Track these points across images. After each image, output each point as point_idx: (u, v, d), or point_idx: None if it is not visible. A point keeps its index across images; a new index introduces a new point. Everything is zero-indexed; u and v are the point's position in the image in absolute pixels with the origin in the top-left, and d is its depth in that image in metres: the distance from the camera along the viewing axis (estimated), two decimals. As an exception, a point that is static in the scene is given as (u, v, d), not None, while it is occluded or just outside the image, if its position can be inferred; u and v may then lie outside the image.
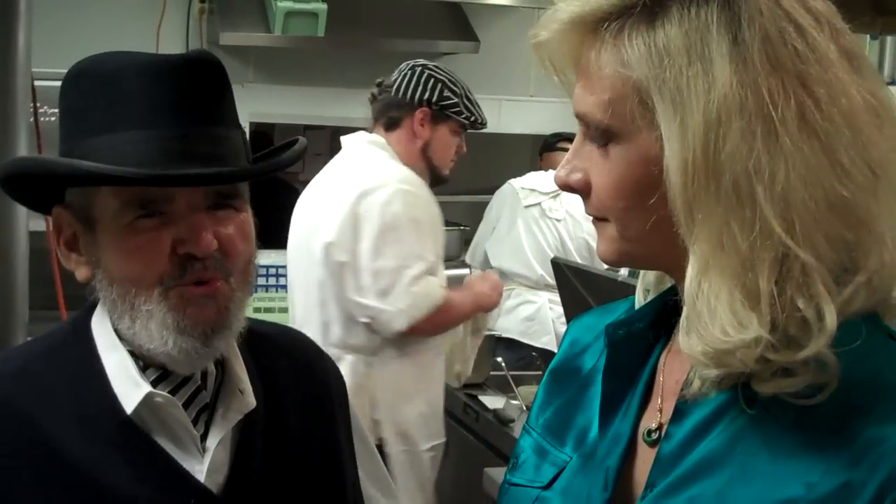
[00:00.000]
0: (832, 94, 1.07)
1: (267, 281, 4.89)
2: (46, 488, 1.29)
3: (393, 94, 3.39)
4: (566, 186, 1.19)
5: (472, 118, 3.41)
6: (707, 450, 1.12)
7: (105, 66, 1.31)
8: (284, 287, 4.88)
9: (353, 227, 3.20)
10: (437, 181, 3.46)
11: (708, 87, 1.06)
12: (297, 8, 4.85)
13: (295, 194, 3.63)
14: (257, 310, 4.77)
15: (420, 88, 3.38)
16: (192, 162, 1.28)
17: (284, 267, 4.84)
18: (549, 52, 1.18)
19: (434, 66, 3.47)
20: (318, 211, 3.35)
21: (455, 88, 3.40)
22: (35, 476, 1.30)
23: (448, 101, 3.38)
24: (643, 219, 1.12)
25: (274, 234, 2.72)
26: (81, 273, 1.37)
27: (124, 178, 1.26)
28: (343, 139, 3.52)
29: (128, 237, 1.30)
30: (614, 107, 1.11)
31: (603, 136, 1.14)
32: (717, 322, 1.06)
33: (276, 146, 1.47)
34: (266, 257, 4.78)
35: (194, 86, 1.30)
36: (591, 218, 1.21)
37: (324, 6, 4.85)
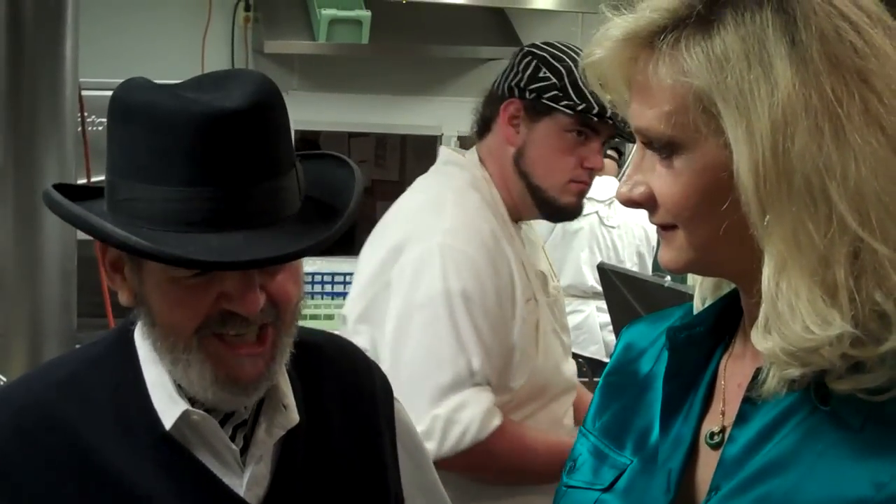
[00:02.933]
0: (893, 88, 1.08)
1: (312, 288, 4.91)
2: (87, 498, 1.30)
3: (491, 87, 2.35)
4: (630, 202, 1.20)
5: (580, 106, 2.18)
6: (774, 452, 1.13)
7: (156, 112, 1.25)
8: (330, 294, 4.91)
9: (380, 299, 2.20)
10: (551, 213, 2.31)
11: (771, 89, 1.07)
12: (341, 15, 4.85)
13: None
14: (302, 317, 4.76)
15: (510, 72, 2.30)
16: (242, 223, 1.25)
17: (329, 274, 4.89)
18: (602, 70, 1.20)
19: (545, 43, 2.32)
20: (362, 260, 2.34)
21: (556, 65, 2.23)
22: (76, 487, 1.30)
23: (543, 84, 2.22)
24: (712, 225, 1.13)
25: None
26: (124, 297, 1.35)
27: (183, 261, 1.22)
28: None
29: (172, 289, 1.28)
30: (676, 117, 1.12)
31: (666, 147, 1.15)
32: (798, 320, 1.07)
33: (321, 152, 1.46)
34: (311, 264, 4.81)
35: (247, 139, 1.25)
36: (644, 226, 1.21)
37: (368, 13, 4.86)
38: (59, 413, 1.33)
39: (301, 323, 1.42)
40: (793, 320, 1.07)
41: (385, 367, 1.73)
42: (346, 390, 1.51)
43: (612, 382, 1.40)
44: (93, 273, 3.57)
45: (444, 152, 2.39)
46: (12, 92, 3.12)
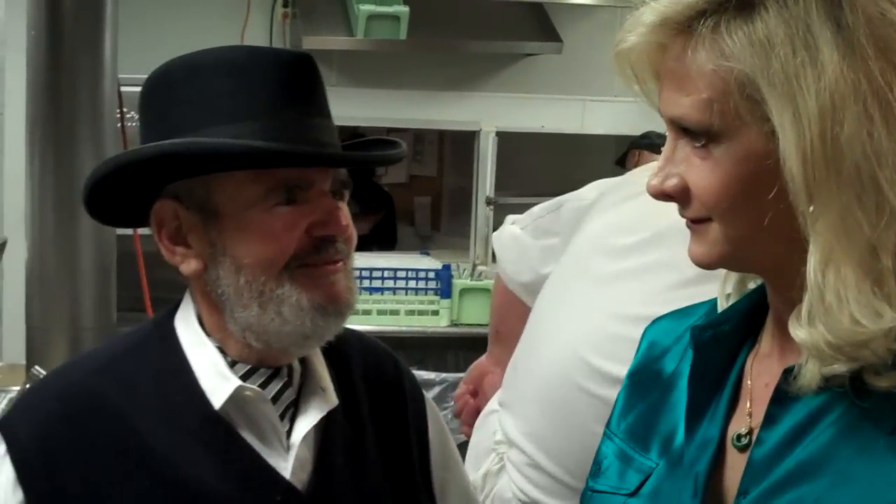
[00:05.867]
0: None
1: (350, 283, 4.90)
2: (135, 481, 1.31)
3: None
4: (662, 195, 1.17)
5: None
6: (803, 455, 1.09)
7: (227, 56, 1.33)
8: (367, 289, 4.91)
9: None
10: None
11: (818, 74, 1.04)
12: (379, 11, 4.85)
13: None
14: (340, 312, 4.77)
15: None
16: (318, 148, 1.33)
17: (367, 269, 4.90)
18: (632, 58, 1.17)
19: None
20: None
21: None
22: (124, 469, 1.31)
23: None
24: (752, 216, 1.10)
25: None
26: (190, 266, 1.36)
27: (298, 155, 1.31)
28: None
29: (265, 222, 1.31)
30: (716, 104, 1.09)
31: (703, 137, 1.11)
32: (845, 312, 1.04)
33: (367, 139, 1.49)
34: (349, 260, 4.80)
35: (308, 79, 1.35)
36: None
37: (406, 9, 4.85)
38: (103, 397, 1.35)
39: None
40: (840, 312, 1.04)
41: None
42: (373, 383, 1.51)
43: (636, 382, 1.37)
44: (131, 268, 3.61)
45: None
46: (52, 88, 3.14)
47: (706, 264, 1.18)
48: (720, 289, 1.28)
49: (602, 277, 1.99)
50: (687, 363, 1.25)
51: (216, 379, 1.35)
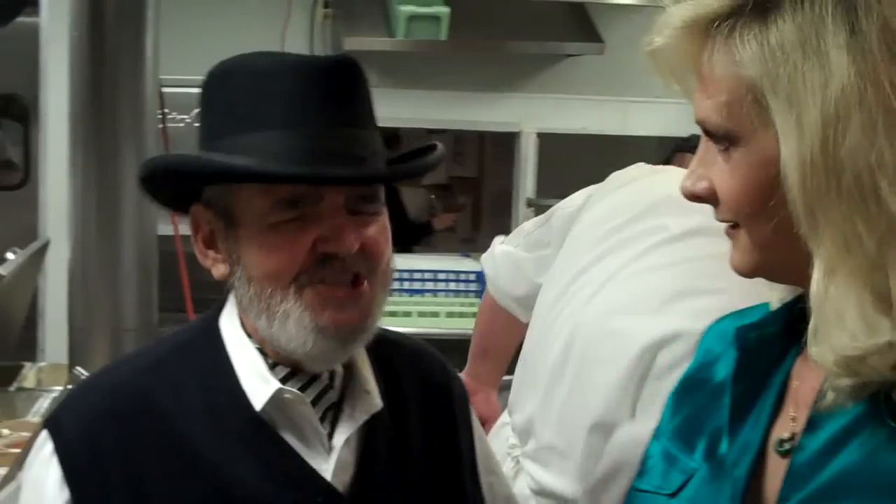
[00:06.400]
0: None
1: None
2: (178, 481, 1.32)
3: None
4: (692, 196, 1.17)
5: None
6: (843, 464, 1.07)
7: (256, 65, 1.32)
8: (408, 291, 4.91)
9: None
10: None
11: (825, 80, 1.02)
12: (420, 12, 4.84)
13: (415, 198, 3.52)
14: (380, 314, 4.78)
15: None
16: (342, 162, 1.29)
17: (408, 271, 4.89)
18: (666, 59, 1.17)
19: None
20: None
21: None
22: (168, 469, 1.32)
23: None
24: (769, 225, 1.09)
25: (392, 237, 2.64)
26: (219, 270, 1.37)
27: (281, 176, 1.27)
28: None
29: (270, 235, 1.30)
30: (731, 109, 1.09)
31: (723, 140, 1.11)
32: (846, 328, 1.02)
33: (411, 150, 1.46)
34: (389, 261, 4.80)
35: (341, 87, 1.32)
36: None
37: (446, 10, 4.84)
38: (149, 397, 1.36)
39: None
40: (840, 328, 1.03)
41: None
42: (422, 387, 1.50)
43: (687, 386, 1.36)
44: (173, 268, 3.61)
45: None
46: (94, 88, 3.16)
47: (744, 273, 1.17)
48: (774, 291, 1.27)
49: (599, 254, 2.00)
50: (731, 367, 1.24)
51: (257, 381, 1.35)
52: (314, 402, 1.37)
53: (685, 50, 1.14)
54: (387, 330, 1.53)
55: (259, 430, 1.34)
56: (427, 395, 1.50)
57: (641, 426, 1.70)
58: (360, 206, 1.33)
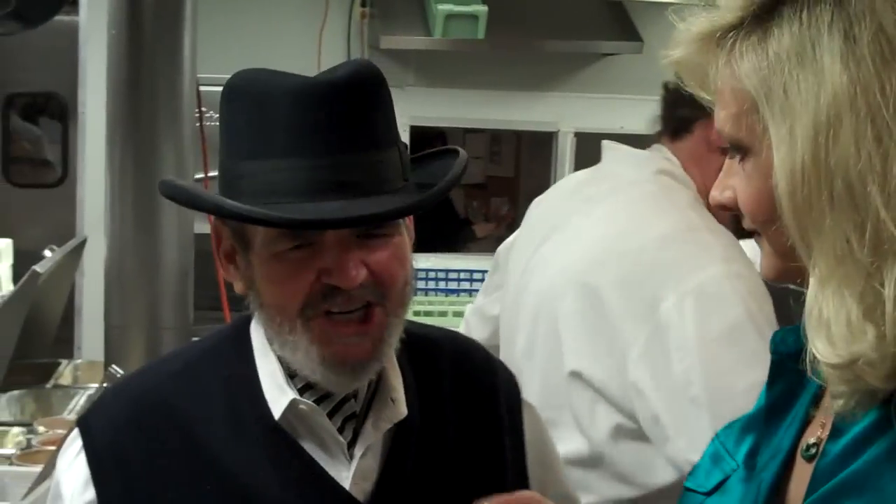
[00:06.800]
0: None
1: (426, 284, 4.90)
2: (199, 488, 1.33)
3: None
4: (720, 206, 1.18)
5: None
6: (854, 469, 1.06)
7: (254, 88, 1.29)
8: (444, 291, 4.90)
9: (646, 349, 1.92)
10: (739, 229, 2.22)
11: (817, 88, 1.03)
12: (458, 10, 4.83)
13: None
14: (416, 313, 4.79)
15: None
16: (340, 192, 1.25)
17: (444, 271, 4.89)
18: (687, 70, 1.18)
19: None
20: (559, 293, 2.09)
21: None
22: (188, 476, 1.33)
23: None
24: (782, 232, 1.09)
25: (431, 237, 2.66)
26: (238, 286, 1.37)
27: (265, 221, 1.25)
28: (608, 150, 2.31)
29: (275, 265, 1.29)
30: (738, 120, 1.11)
31: (738, 150, 1.13)
32: (830, 336, 1.02)
33: (431, 150, 1.44)
34: (425, 261, 4.80)
35: (343, 110, 1.27)
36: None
37: (484, 8, 4.82)
38: (173, 403, 1.37)
39: (414, 319, 1.43)
40: (826, 335, 1.03)
41: (683, 403, 1.82)
42: (464, 387, 1.48)
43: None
44: (209, 268, 3.61)
45: (650, 153, 2.16)
46: (132, 86, 3.17)
47: (770, 279, 1.19)
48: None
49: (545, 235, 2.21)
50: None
51: (276, 390, 1.35)
52: (333, 412, 1.36)
53: (701, 62, 1.15)
54: (425, 327, 1.53)
55: (279, 438, 1.34)
56: (470, 396, 1.48)
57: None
58: (371, 230, 1.30)
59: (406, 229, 1.36)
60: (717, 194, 1.18)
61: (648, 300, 1.92)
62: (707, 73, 1.15)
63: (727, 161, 1.17)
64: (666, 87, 2.15)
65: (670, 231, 2.00)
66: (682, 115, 2.11)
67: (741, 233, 1.96)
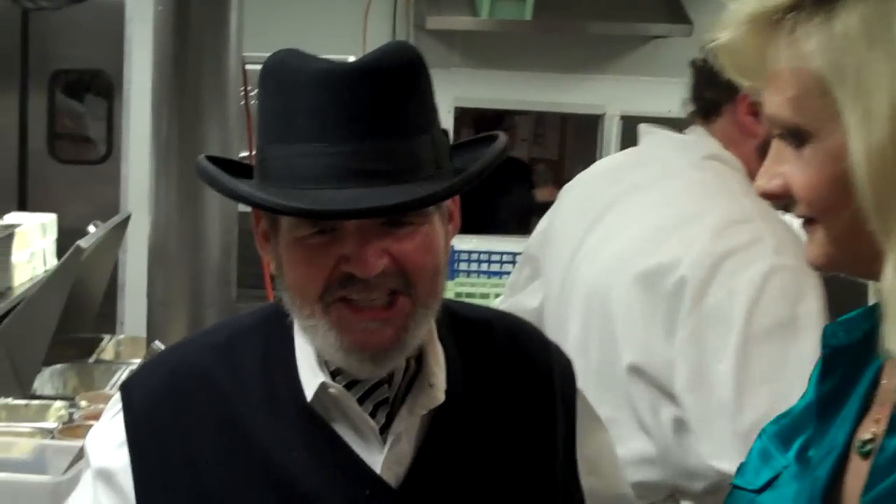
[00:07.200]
0: None
1: (468, 266, 4.89)
2: (230, 461, 1.33)
3: (711, 62, 2.12)
4: (767, 195, 1.16)
5: None
6: None
7: (282, 71, 1.28)
8: (486, 273, 4.88)
9: (688, 344, 1.89)
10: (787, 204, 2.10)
11: (893, 69, 1.00)
12: (505, -9, 4.82)
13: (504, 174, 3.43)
14: (458, 295, 4.78)
15: None
16: (361, 180, 1.24)
17: (486, 252, 4.87)
18: (733, 55, 1.15)
19: None
20: (609, 282, 2.05)
21: None
22: (221, 450, 1.34)
23: None
24: (846, 218, 1.07)
25: (475, 218, 2.61)
26: (272, 266, 1.37)
27: (269, 207, 1.26)
28: (647, 134, 2.24)
29: (296, 250, 1.28)
30: (799, 103, 1.08)
31: (795, 136, 1.10)
32: None
33: (473, 138, 1.41)
34: (467, 242, 4.78)
35: (368, 96, 1.25)
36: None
37: (531, -11, 4.80)
38: (211, 377, 1.38)
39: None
40: None
41: (721, 419, 1.77)
42: (516, 371, 1.46)
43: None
44: (252, 245, 3.62)
45: (692, 138, 2.09)
46: (177, 64, 3.17)
47: (818, 266, 1.16)
48: (871, 286, 1.24)
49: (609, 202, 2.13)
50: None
51: (309, 372, 1.34)
52: (364, 397, 1.35)
53: (752, 45, 1.12)
54: (480, 308, 1.51)
55: (311, 420, 1.34)
56: (522, 379, 1.45)
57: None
58: (396, 218, 1.27)
59: (441, 216, 1.33)
60: (764, 183, 1.15)
61: (698, 292, 1.88)
62: (754, 57, 1.13)
63: (775, 148, 1.15)
64: (693, 64, 2.11)
65: (723, 221, 1.95)
66: (709, 97, 2.07)
67: None
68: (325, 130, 1.24)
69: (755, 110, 1.96)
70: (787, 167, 1.12)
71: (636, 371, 1.95)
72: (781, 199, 1.15)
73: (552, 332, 2.18)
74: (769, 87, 1.12)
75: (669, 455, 1.91)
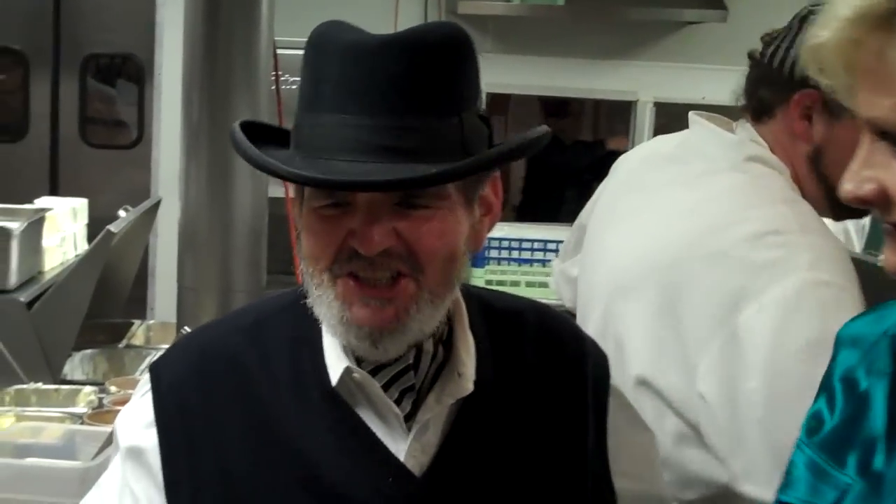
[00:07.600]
0: None
1: (499, 254, 4.87)
2: (256, 443, 1.33)
3: (767, 59, 1.95)
4: (859, 200, 1.09)
5: None
6: None
7: (318, 40, 1.28)
8: (516, 260, 4.86)
9: (719, 360, 1.79)
10: (845, 214, 2.01)
11: None
12: (537, -24, 4.78)
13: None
14: (488, 282, 4.76)
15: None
16: (379, 155, 1.23)
17: (517, 240, 4.84)
18: (823, 54, 1.09)
19: None
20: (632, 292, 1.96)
21: None
22: (246, 432, 1.34)
23: None
24: None
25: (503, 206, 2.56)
26: (297, 231, 1.38)
27: (274, 172, 1.26)
28: (696, 125, 2.11)
29: (311, 219, 1.28)
30: None
31: None
32: None
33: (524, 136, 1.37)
34: (499, 230, 4.75)
35: (396, 71, 1.24)
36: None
37: (565, -26, 4.77)
38: (239, 358, 1.38)
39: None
40: None
41: (755, 444, 1.68)
42: (549, 362, 1.44)
43: (830, 394, 1.27)
44: (283, 231, 3.61)
45: (739, 143, 1.99)
46: (208, 49, 3.16)
47: None
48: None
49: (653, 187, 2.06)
50: (885, 372, 1.16)
51: (335, 357, 1.34)
52: (389, 384, 1.33)
53: (854, 43, 1.06)
54: (514, 298, 1.50)
55: (335, 405, 1.33)
56: (554, 370, 1.43)
57: None
58: (410, 198, 1.26)
59: (467, 203, 1.31)
60: (854, 188, 1.09)
61: (728, 306, 1.79)
62: (852, 57, 1.07)
63: (865, 151, 1.09)
64: (751, 57, 2.00)
65: (759, 231, 1.84)
66: (763, 97, 1.97)
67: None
68: (349, 101, 1.24)
69: (809, 114, 1.89)
70: (885, 172, 1.07)
71: (644, 384, 1.89)
72: (872, 205, 1.09)
73: (581, 309, 2.16)
74: (871, 89, 1.07)
75: (667, 464, 1.86)
